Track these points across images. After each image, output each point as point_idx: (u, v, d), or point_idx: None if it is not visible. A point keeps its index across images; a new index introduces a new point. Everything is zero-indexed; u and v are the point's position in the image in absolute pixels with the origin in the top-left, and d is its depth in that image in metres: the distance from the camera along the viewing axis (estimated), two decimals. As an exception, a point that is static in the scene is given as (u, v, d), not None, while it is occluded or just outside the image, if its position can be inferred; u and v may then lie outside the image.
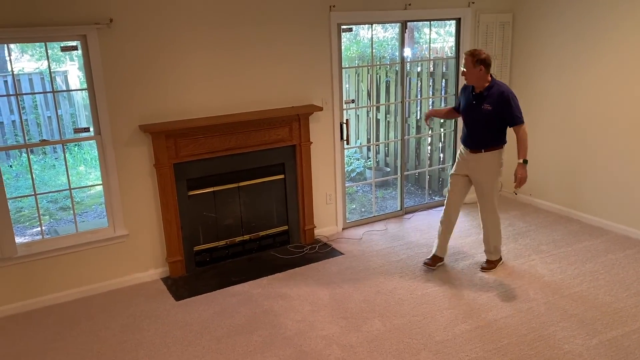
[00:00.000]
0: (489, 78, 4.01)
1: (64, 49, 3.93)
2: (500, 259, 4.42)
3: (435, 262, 4.39)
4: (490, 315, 3.70)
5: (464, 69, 3.99)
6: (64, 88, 8.22)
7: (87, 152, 7.96)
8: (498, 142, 4.08)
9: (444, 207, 4.36)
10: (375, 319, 3.70)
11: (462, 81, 5.53)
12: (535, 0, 5.42)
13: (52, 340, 3.61)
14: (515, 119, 3.96)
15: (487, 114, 3.98)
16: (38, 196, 4.18)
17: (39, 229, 4.35)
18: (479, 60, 3.92)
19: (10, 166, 7.68)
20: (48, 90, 7.87)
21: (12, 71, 4.18)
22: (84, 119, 8.27)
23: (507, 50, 5.73)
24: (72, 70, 8.47)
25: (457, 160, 4.32)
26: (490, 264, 4.37)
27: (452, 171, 4.35)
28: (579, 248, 4.71)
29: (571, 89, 5.23)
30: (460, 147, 4.28)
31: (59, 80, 8.32)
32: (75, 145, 7.97)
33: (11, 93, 7.58)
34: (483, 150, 4.07)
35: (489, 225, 4.26)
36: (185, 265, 4.50)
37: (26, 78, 8.17)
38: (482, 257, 4.57)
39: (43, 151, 8.08)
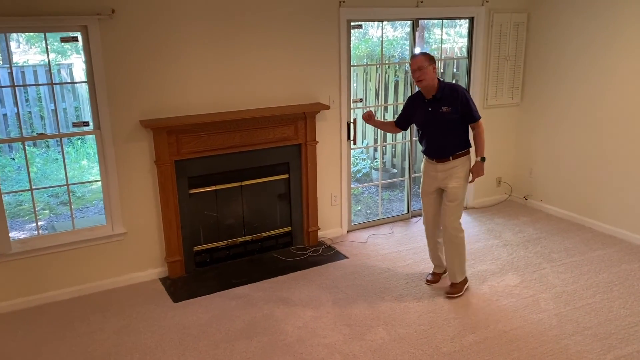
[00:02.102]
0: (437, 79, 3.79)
1: (64, 40, 3.81)
2: (466, 279, 4.04)
3: (438, 278, 4.17)
4: (500, 327, 3.55)
5: (419, 72, 3.66)
6: (69, 81, 8.12)
7: (90, 146, 7.85)
8: (464, 146, 3.84)
9: (424, 228, 4.13)
10: (379, 327, 3.57)
11: (475, 81, 5.42)
12: (551, 0, 5.25)
13: (45, 341, 3.49)
14: (475, 115, 3.77)
15: (447, 117, 3.74)
16: (38, 190, 4.06)
17: (38, 224, 4.23)
18: (432, 59, 3.70)
19: (13, 159, 7.59)
20: (52, 82, 7.75)
21: (11, 62, 4.06)
22: (88, 112, 8.15)
23: (521, 52, 5.56)
24: (77, 63, 8.37)
25: (423, 175, 4.03)
26: (456, 288, 3.97)
27: (421, 189, 4.05)
28: (592, 257, 4.55)
29: (586, 93, 5.06)
30: (424, 161, 4.01)
31: (63, 72, 8.22)
32: (79, 138, 7.87)
33: (11, 84, 7.47)
34: (451, 158, 3.81)
35: (454, 242, 3.90)
36: (185, 265, 4.38)
37: (31, 70, 8.07)
38: (492, 265, 4.43)
39: (46, 144, 7.98)
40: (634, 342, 3.36)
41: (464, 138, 3.85)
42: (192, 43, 4.07)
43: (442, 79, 3.82)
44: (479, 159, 3.83)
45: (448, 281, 4.08)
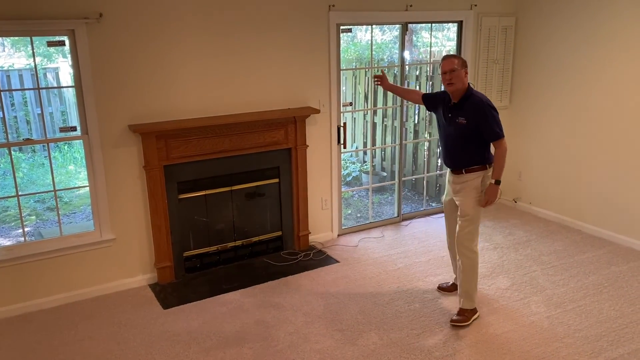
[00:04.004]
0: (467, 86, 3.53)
1: (51, 44, 3.76)
2: (476, 310, 3.70)
3: (452, 289, 4.01)
4: (491, 330, 3.55)
5: (450, 75, 3.44)
6: (55, 85, 8.03)
7: (78, 151, 7.77)
8: (480, 161, 3.53)
9: (446, 235, 3.99)
10: (371, 332, 3.55)
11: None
12: (538, 4, 5.30)
13: (32, 350, 3.43)
14: (493, 134, 3.44)
15: (461, 129, 3.49)
16: (24, 196, 4.00)
17: (25, 230, 4.17)
18: (465, 62, 3.48)
19: (-2, 164, 7.49)
20: (38, 86, 7.67)
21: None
22: (75, 117, 8.07)
23: (509, 55, 5.60)
24: (63, 67, 8.28)
25: (446, 183, 3.87)
26: (462, 315, 3.63)
27: (443, 197, 3.94)
28: (582, 259, 4.57)
29: (574, 96, 5.10)
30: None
31: (50, 77, 8.13)
32: (65, 143, 7.78)
33: (-1, 89, 7.39)
34: (464, 171, 3.55)
35: (462, 262, 3.63)
36: (175, 271, 4.33)
37: (16, 74, 7.97)
38: (482, 268, 4.42)
39: (32, 149, 7.89)
40: (624, 344, 3.37)
41: (481, 153, 3.53)
42: (181, 47, 4.04)
43: (473, 86, 3.58)
44: (493, 181, 3.49)
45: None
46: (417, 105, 6.27)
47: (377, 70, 6.75)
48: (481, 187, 3.56)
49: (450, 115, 3.57)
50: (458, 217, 3.66)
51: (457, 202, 3.66)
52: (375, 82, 4.08)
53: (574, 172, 5.22)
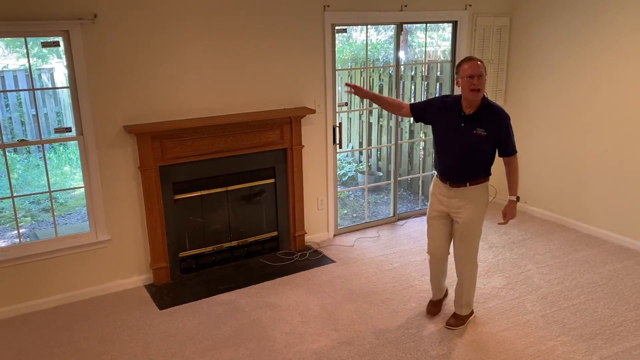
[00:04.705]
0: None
1: (45, 45, 3.76)
2: (472, 312, 3.67)
3: (439, 309, 3.80)
4: (487, 329, 3.57)
5: (478, 80, 3.17)
6: (50, 86, 8.01)
7: (73, 152, 7.75)
8: (485, 173, 3.39)
9: (429, 259, 3.69)
10: (367, 331, 3.56)
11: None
12: (533, 4, 5.32)
13: (27, 351, 3.42)
14: (512, 148, 3.33)
15: (478, 140, 3.26)
16: (19, 198, 3.98)
17: (20, 232, 4.16)
18: (486, 67, 3.25)
19: (-7, 165, 7.46)
20: (33, 87, 7.64)
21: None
22: (70, 118, 8.06)
23: (504, 55, 5.62)
24: (58, 68, 8.26)
25: (431, 198, 3.59)
26: (459, 320, 3.59)
27: (428, 213, 3.61)
28: (576, 258, 4.60)
29: (569, 96, 5.12)
30: (434, 181, 3.55)
31: (44, 77, 8.10)
32: (60, 144, 7.76)
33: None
34: (468, 184, 3.35)
35: (465, 275, 3.52)
36: (170, 272, 4.33)
37: (10, 75, 7.95)
38: (479, 268, 4.44)
39: (27, 150, 7.87)
40: (619, 342, 3.39)
41: (489, 165, 3.40)
42: (175, 48, 4.04)
43: (486, 95, 3.33)
44: (513, 198, 3.37)
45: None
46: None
47: (372, 70, 6.78)
48: (487, 196, 3.45)
49: (463, 125, 3.29)
50: (459, 235, 3.46)
51: (458, 219, 3.43)
52: (348, 91, 3.69)
53: (568, 171, 5.24)
